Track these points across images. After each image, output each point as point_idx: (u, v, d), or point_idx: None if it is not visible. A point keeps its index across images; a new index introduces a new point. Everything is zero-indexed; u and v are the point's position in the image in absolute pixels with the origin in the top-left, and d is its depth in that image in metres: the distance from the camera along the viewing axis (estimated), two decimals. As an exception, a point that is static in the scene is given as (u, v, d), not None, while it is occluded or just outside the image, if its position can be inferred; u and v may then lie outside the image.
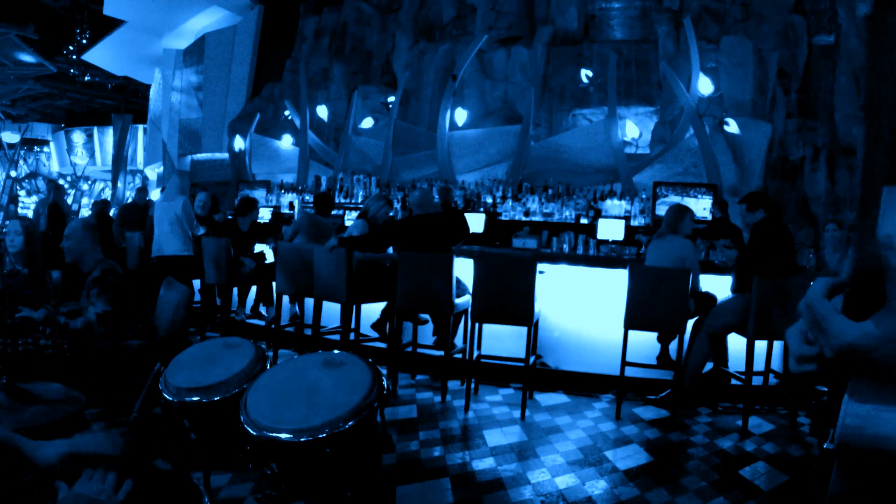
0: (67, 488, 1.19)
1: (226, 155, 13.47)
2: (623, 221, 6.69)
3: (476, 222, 6.94)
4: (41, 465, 1.26)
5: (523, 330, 4.22)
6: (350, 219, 7.83)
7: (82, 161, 22.99)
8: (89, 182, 23.61)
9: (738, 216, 6.04)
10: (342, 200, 9.64)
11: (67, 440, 1.31)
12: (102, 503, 1.16)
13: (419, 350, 4.74)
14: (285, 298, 5.69)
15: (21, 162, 22.92)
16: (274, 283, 5.44)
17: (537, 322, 4.46)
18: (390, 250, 4.90)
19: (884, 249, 0.62)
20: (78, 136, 23.11)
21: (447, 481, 3.00)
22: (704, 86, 8.25)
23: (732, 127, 8.30)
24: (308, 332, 5.30)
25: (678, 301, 3.95)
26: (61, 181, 20.31)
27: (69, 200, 17.20)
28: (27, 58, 14.32)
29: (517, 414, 4.07)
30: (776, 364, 4.57)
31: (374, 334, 5.25)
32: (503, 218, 8.07)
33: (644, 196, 7.93)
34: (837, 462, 0.69)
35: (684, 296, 3.95)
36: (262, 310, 6.47)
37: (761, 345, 4.30)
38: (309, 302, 5.31)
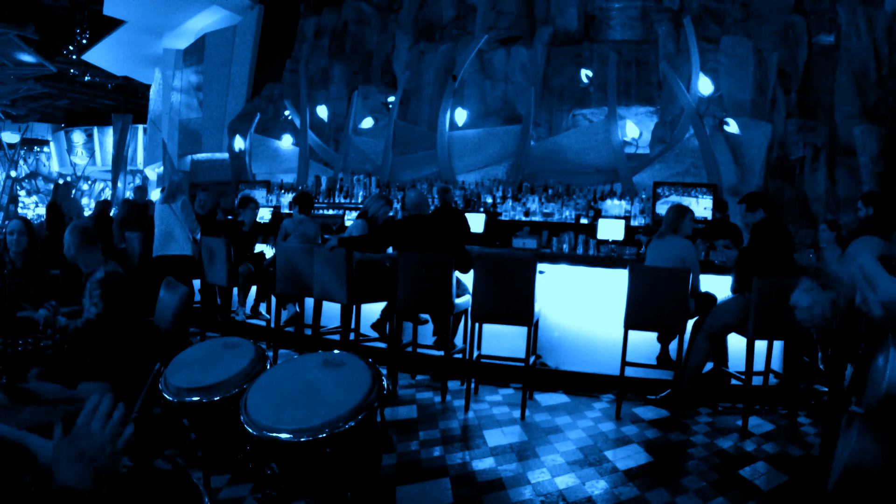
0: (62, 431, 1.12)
1: (226, 155, 13.48)
2: (623, 221, 6.69)
3: (476, 222, 6.94)
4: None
5: (523, 330, 4.22)
6: (350, 219, 7.83)
7: (82, 161, 23.00)
8: (89, 182, 23.62)
9: (738, 216, 6.04)
10: (342, 200, 9.65)
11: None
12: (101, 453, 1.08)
13: (419, 350, 4.74)
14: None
15: (21, 162, 22.92)
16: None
17: (537, 322, 4.46)
18: (390, 250, 4.90)
19: None
20: (78, 136, 23.12)
21: (447, 481, 3.00)
22: (704, 86, 8.25)
23: (732, 127, 8.29)
24: (308, 332, 5.30)
25: (678, 301, 3.95)
26: (61, 181, 20.31)
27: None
28: (27, 58, 14.31)
29: (517, 414, 4.07)
30: (776, 364, 4.57)
31: (374, 334, 5.25)
32: (503, 218, 8.07)
33: (644, 196, 7.93)
34: (866, 423, 0.76)
35: (684, 296, 3.95)
36: (262, 310, 6.48)
37: (761, 345, 4.30)
38: (309, 302, 5.31)
